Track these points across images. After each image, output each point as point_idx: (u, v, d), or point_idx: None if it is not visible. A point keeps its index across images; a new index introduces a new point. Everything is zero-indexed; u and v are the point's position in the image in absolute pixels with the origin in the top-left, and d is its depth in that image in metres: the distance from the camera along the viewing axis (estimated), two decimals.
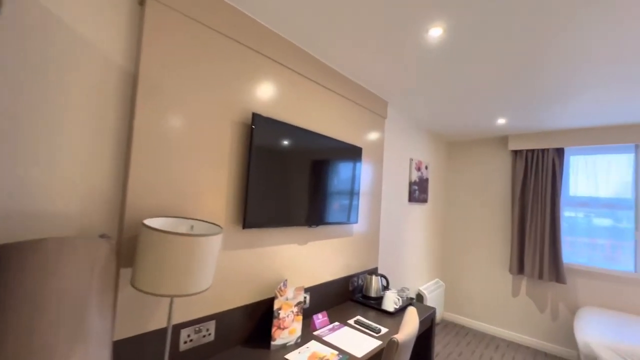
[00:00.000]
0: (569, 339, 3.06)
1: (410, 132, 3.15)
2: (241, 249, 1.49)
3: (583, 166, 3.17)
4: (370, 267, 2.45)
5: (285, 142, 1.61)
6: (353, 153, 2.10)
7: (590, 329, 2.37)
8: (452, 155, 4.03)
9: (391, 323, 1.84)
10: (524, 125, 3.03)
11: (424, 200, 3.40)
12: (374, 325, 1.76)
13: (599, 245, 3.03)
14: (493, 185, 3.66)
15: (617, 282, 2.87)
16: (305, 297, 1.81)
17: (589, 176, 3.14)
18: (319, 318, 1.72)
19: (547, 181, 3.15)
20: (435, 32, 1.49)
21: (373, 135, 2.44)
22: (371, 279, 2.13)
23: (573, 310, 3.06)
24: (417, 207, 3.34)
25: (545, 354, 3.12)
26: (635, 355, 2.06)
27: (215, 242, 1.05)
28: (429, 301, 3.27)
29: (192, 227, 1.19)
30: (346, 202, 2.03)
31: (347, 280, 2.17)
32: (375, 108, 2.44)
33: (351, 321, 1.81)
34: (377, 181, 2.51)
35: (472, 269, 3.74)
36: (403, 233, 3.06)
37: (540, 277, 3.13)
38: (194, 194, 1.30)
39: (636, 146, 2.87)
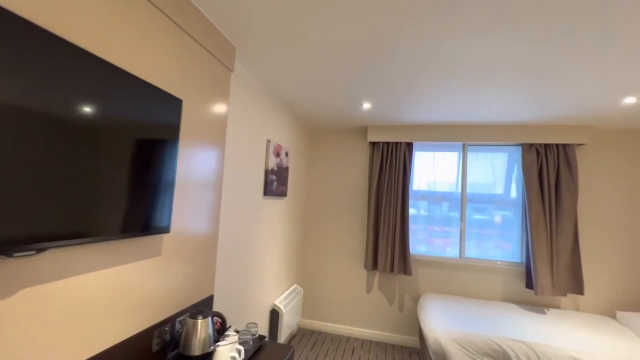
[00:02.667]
0: (413, 327, 3.18)
1: (269, 107, 2.44)
2: None
3: (424, 161, 3.38)
4: (201, 298, 1.56)
5: None
6: (165, 106, 1.16)
7: (435, 322, 2.38)
8: (314, 145, 3.63)
9: None
10: (384, 114, 2.88)
11: (283, 194, 2.79)
12: None
13: (434, 236, 3.28)
14: (353, 179, 3.48)
15: (447, 268, 3.15)
16: None
17: (428, 171, 3.37)
18: None
19: (399, 175, 3.16)
20: None
21: (212, 93, 1.56)
22: (193, 326, 1.25)
23: (415, 299, 3.19)
24: (275, 202, 2.69)
25: (393, 346, 3.13)
26: (471, 342, 2.17)
27: None
28: (286, 316, 2.69)
29: None
30: (141, 194, 1.08)
31: (149, 335, 1.21)
32: (218, 52, 1.56)
33: None
34: (217, 163, 1.65)
35: (331, 268, 3.45)
36: (257, 236, 2.32)
37: (392, 270, 3.11)
38: None
39: (463, 145, 3.23)
